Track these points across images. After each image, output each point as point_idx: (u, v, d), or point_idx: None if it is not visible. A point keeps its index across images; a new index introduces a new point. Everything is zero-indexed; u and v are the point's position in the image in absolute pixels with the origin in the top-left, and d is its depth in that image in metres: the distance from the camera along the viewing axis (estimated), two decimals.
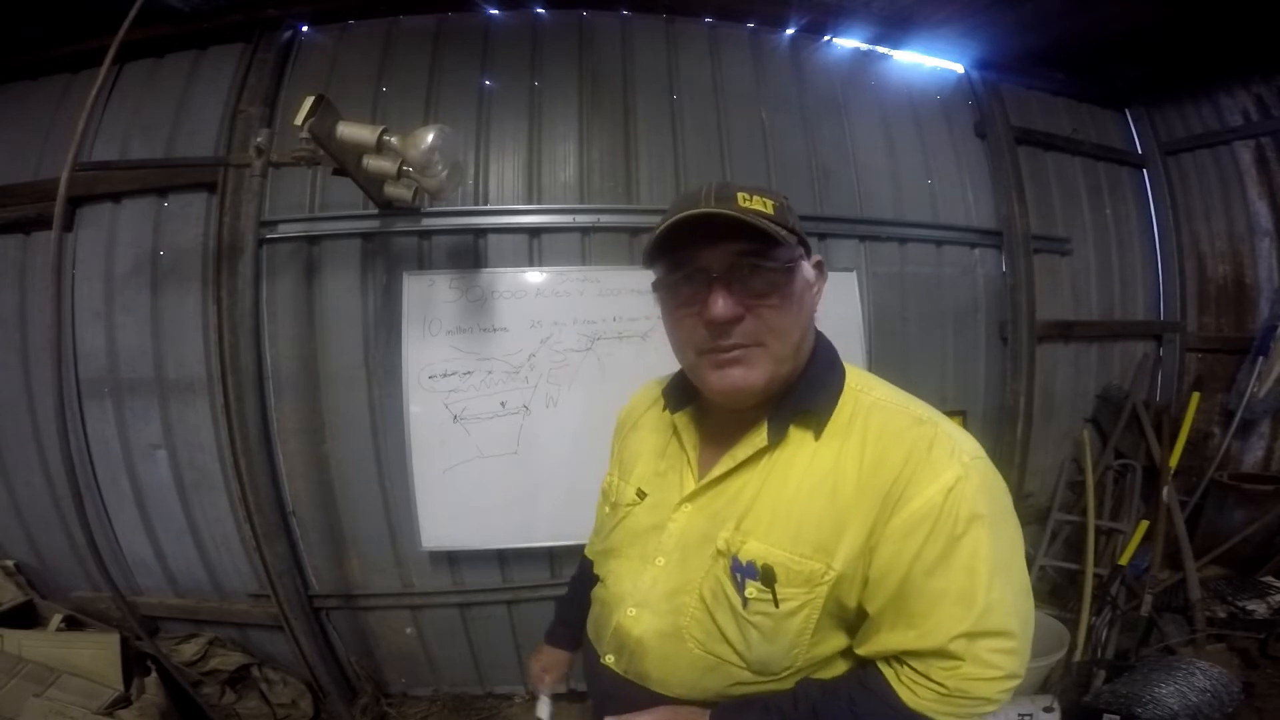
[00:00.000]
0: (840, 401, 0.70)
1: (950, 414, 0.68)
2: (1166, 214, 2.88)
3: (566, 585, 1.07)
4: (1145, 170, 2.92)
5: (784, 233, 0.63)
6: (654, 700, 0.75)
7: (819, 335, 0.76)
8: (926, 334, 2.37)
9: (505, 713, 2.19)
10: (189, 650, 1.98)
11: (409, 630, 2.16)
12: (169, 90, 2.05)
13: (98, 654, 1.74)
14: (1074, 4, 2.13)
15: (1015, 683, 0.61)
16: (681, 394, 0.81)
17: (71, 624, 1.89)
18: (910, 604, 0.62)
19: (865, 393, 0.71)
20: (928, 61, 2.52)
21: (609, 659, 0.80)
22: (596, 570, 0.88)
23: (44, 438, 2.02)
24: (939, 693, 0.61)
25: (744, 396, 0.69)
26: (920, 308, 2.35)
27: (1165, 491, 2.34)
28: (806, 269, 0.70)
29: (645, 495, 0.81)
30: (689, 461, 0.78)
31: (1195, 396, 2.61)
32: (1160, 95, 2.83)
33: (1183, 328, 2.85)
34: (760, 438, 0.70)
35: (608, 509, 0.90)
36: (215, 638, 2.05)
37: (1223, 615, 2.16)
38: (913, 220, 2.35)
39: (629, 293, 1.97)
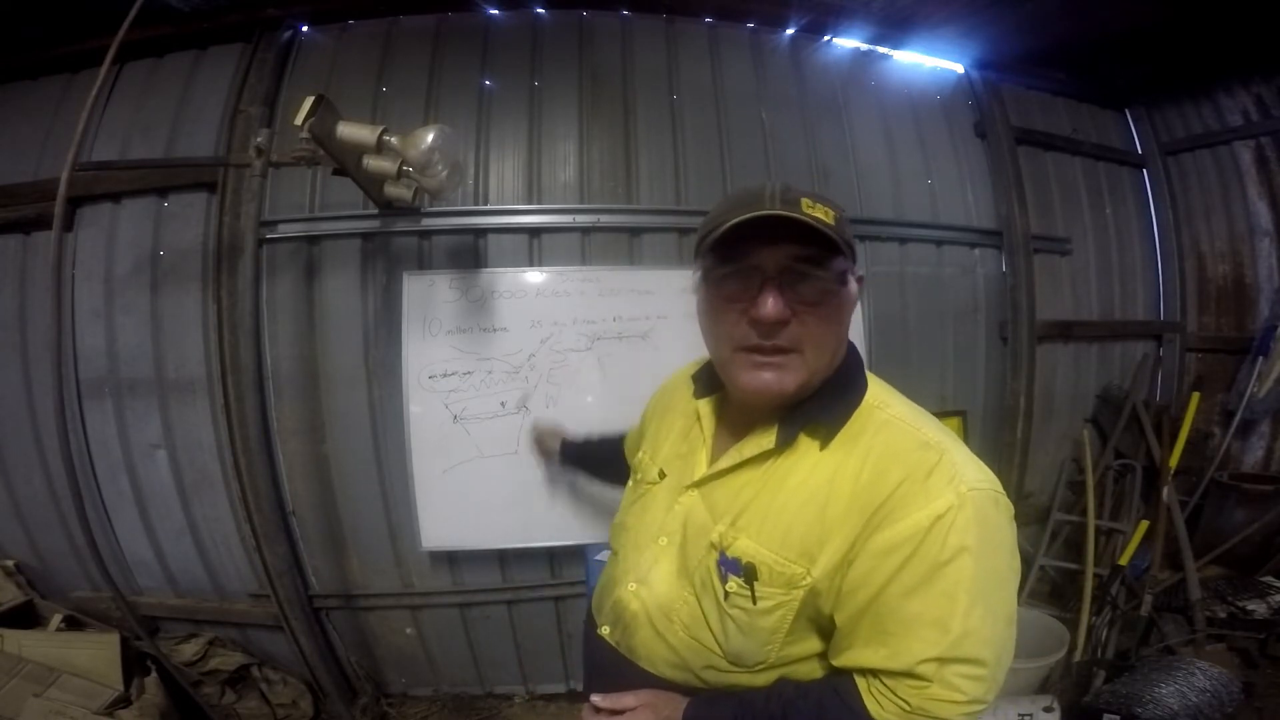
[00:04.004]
0: (855, 415, 0.71)
1: (950, 414, 0.69)
2: (1166, 214, 2.88)
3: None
4: (1145, 170, 2.92)
5: (843, 244, 0.64)
6: (640, 675, 0.78)
7: (849, 346, 0.77)
8: (926, 334, 2.36)
9: (505, 713, 2.18)
10: (189, 650, 1.98)
11: (409, 630, 2.16)
12: (169, 90, 2.05)
13: (98, 654, 1.74)
14: (1074, 4, 2.13)
15: (980, 708, 0.62)
16: (708, 381, 0.83)
17: (71, 624, 1.89)
18: (885, 623, 0.62)
19: (882, 409, 0.71)
20: (928, 61, 2.51)
21: (605, 630, 0.85)
22: (611, 543, 0.93)
23: (44, 438, 2.01)
24: (902, 708, 0.62)
25: (770, 399, 0.70)
26: (920, 308, 2.35)
27: (1165, 491, 2.33)
28: (852, 283, 0.70)
29: (665, 476, 0.84)
30: (705, 448, 0.81)
31: (1195, 396, 2.60)
32: (1160, 95, 2.82)
33: (1183, 328, 2.85)
34: (768, 439, 0.72)
35: (632, 483, 0.94)
36: (215, 638, 2.05)
37: (1223, 615, 2.16)
38: (913, 220, 2.35)
39: (629, 293, 1.96)
